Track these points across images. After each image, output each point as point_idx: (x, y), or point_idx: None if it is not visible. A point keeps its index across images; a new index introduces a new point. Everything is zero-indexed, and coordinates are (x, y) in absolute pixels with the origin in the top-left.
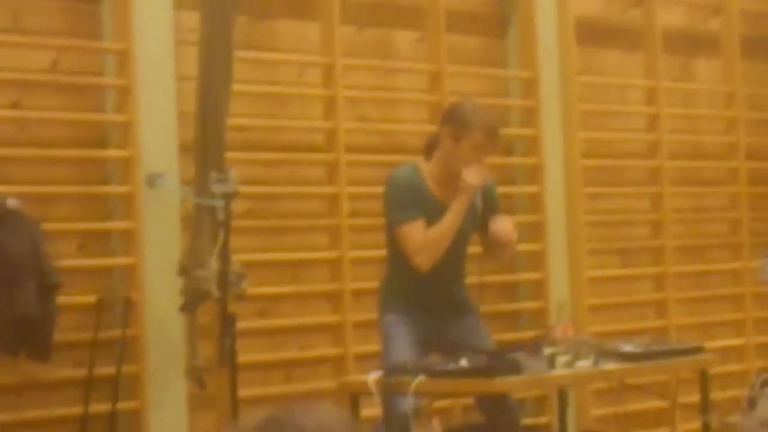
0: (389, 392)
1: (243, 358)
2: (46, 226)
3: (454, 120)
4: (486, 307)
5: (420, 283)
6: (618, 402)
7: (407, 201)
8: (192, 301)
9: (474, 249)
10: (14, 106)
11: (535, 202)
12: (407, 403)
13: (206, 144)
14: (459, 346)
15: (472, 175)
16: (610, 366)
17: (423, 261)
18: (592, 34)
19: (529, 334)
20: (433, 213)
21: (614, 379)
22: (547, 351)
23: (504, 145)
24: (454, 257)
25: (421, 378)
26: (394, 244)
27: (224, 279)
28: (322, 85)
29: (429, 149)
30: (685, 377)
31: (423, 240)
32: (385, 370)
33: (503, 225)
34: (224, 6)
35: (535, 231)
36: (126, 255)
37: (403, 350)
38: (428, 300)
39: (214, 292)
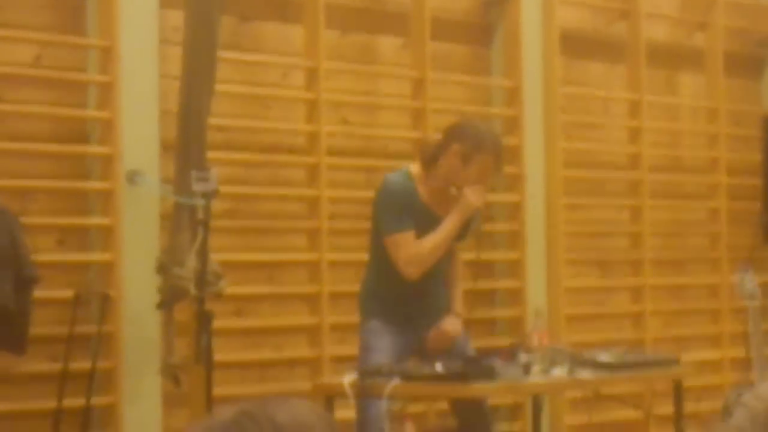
0: (364, 395)
1: (219, 356)
2: (26, 219)
3: (465, 139)
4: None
5: (403, 289)
6: (592, 411)
7: (399, 209)
8: (169, 299)
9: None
10: None
11: (515, 211)
12: (381, 407)
13: (187, 143)
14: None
15: (474, 195)
16: (585, 375)
17: (413, 272)
18: (576, 45)
19: (505, 341)
20: (422, 221)
21: (589, 389)
22: (523, 358)
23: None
24: (439, 266)
25: (395, 381)
26: (381, 250)
27: (202, 277)
28: (305, 87)
29: (429, 159)
30: (660, 389)
31: (416, 251)
32: (360, 372)
33: (451, 328)
34: (209, 6)
35: (514, 239)
36: (104, 251)
37: (382, 359)
38: (409, 304)
39: (192, 290)
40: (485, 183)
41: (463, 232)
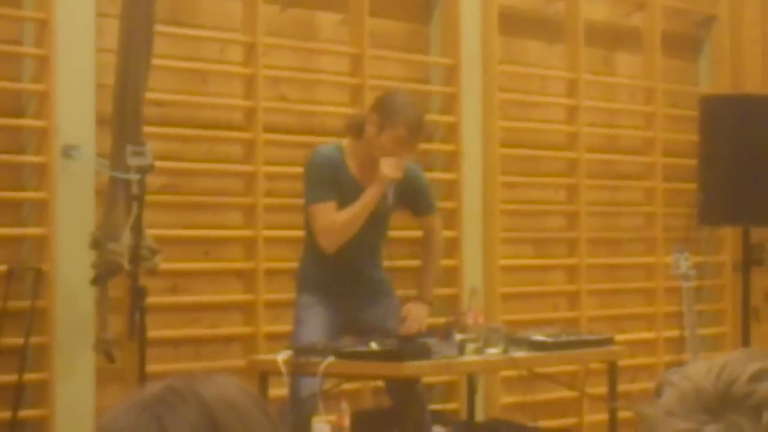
0: (298, 372)
1: (153, 333)
2: None
3: (380, 109)
4: (398, 292)
5: (335, 264)
6: (527, 391)
7: (323, 180)
8: (103, 274)
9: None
10: None
11: (452, 189)
12: (315, 384)
13: (123, 117)
14: (374, 330)
15: (389, 167)
16: (520, 354)
17: (328, 243)
18: (515, 24)
19: (440, 320)
20: (350, 194)
21: (523, 368)
22: (458, 337)
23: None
24: (367, 240)
25: (330, 359)
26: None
27: (136, 253)
28: (242, 63)
29: (358, 128)
30: (595, 368)
31: (330, 222)
32: (294, 350)
33: (416, 317)
34: None
35: (450, 218)
36: (38, 225)
37: (315, 333)
38: (343, 281)
39: (126, 265)
40: (401, 155)
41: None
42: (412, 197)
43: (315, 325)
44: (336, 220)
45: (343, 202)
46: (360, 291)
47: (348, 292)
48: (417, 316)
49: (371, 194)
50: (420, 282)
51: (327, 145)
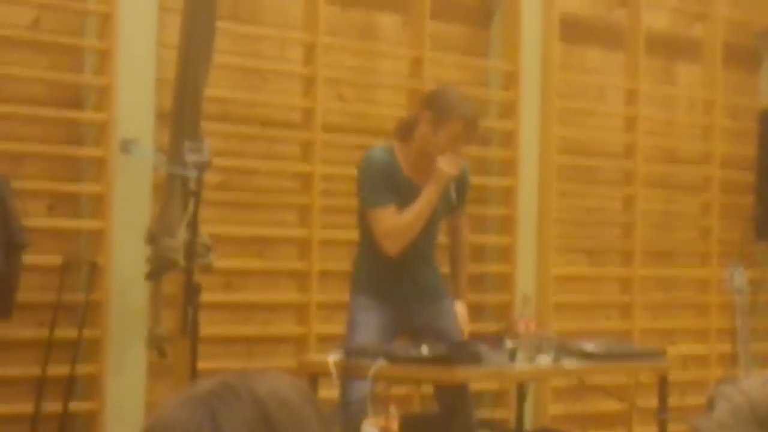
0: (348, 374)
1: (205, 330)
2: (17, 184)
3: (435, 106)
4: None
5: (390, 266)
6: (576, 401)
7: (381, 183)
8: (158, 270)
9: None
10: None
11: (508, 196)
12: (365, 387)
13: (183, 113)
14: (428, 332)
15: (447, 164)
16: (571, 364)
17: (392, 246)
18: (576, 30)
19: (492, 326)
20: (406, 195)
21: (574, 377)
22: (509, 344)
23: (481, 136)
24: (423, 241)
25: (380, 362)
26: (366, 226)
27: (192, 249)
28: (302, 62)
29: (406, 130)
30: (645, 381)
31: (393, 225)
32: (345, 351)
33: (464, 317)
34: None
35: (505, 224)
36: (95, 218)
37: (369, 335)
38: (399, 283)
39: (181, 261)
40: (457, 151)
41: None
42: (457, 194)
43: (369, 328)
44: (399, 223)
45: (401, 204)
46: (415, 292)
47: (403, 294)
48: (464, 318)
49: (431, 193)
50: (456, 282)
51: (377, 147)
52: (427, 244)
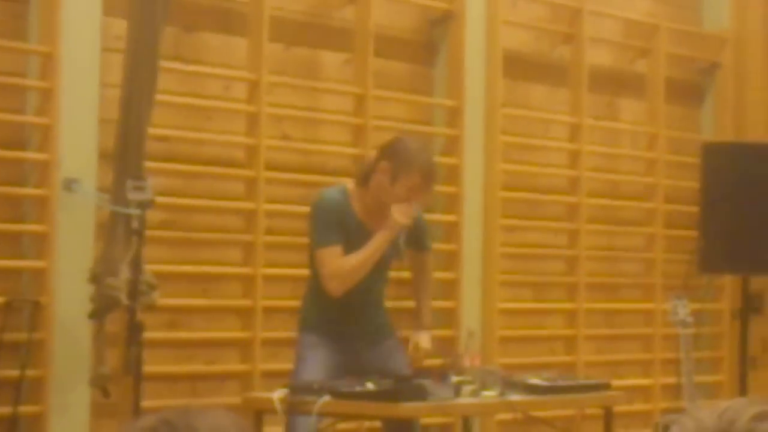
0: (293, 411)
1: (149, 368)
2: None
3: (395, 158)
4: (397, 332)
5: (338, 305)
6: None
7: (330, 224)
8: (101, 309)
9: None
10: None
11: (452, 231)
12: (311, 424)
13: (125, 152)
14: (375, 371)
15: (401, 214)
16: (516, 397)
17: (335, 287)
18: (519, 67)
19: (437, 361)
20: (356, 237)
21: (519, 411)
22: (454, 379)
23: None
24: (373, 283)
25: (326, 398)
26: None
27: (135, 288)
28: (246, 100)
29: (363, 176)
30: (591, 414)
31: (339, 267)
32: (290, 388)
33: (424, 344)
34: (153, 15)
35: (450, 260)
36: (37, 258)
37: (315, 372)
38: (346, 323)
39: (124, 300)
40: (414, 202)
41: (412, 237)
42: (414, 235)
43: (316, 365)
44: (344, 265)
45: (349, 245)
46: (362, 332)
47: (350, 334)
48: (427, 346)
49: (381, 240)
50: (419, 311)
51: (332, 187)
52: (376, 288)
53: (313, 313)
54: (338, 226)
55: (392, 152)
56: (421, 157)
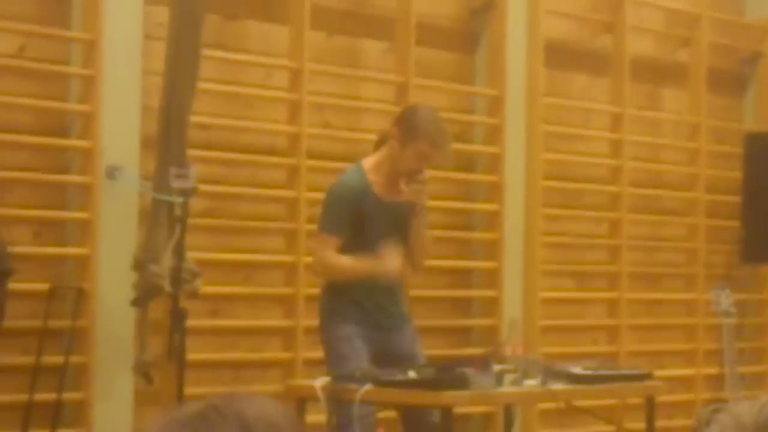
0: (336, 399)
1: (192, 356)
2: (2, 211)
3: (403, 123)
4: (438, 321)
5: (365, 290)
6: (564, 424)
7: (339, 213)
8: (144, 296)
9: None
10: None
11: (494, 220)
12: (353, 412)
13: (168, 139)
14: (403, 358)
15: (391, 263)
16: (558, 387)
17: (314, 272)
18: (561, 56)
19: (479, 350)
20: (375, 213)
21: (561, 400)
22: (496, 368)
23: (462, 160)
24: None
25: (367, 386)
26: (346, 250)
27: (178, 275)
28: (287, 89)
29: (379, 144)
30: (633, 403)
31: (324, 259)
32: (333, 376)
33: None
34: (194, 3)
35: (492, 249)
36: (81, 245)
37: (357, 361)
38: (375, 311)
39: (167, 287)
40: (422, 169)
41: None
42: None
43: (357, 354)
44: (330, 262)
45: (372, 224)
46: (388, 317)
47: (378, 323)
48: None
49: (363, 270)
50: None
51: (348, 171)
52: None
53: (342, 302)
54: (349, 215)
55: (402, 119)
56: (429, 123)
